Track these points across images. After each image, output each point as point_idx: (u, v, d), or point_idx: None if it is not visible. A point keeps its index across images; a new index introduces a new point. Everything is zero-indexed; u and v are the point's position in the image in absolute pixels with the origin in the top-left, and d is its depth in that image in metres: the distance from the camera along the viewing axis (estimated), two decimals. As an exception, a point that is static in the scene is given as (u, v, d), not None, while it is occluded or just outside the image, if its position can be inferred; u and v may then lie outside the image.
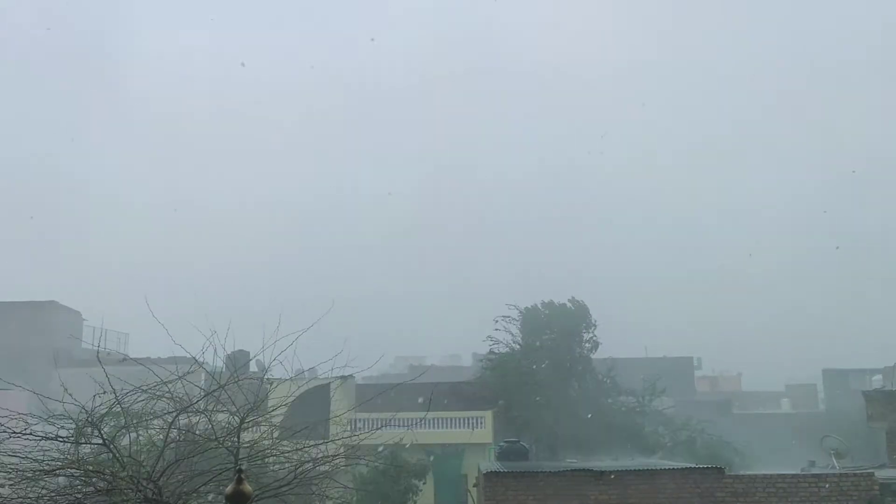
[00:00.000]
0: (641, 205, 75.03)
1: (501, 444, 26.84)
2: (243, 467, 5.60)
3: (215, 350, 10.41)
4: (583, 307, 36.88)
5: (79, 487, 8.71)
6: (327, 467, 10.27)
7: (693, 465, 19.15)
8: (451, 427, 33.45)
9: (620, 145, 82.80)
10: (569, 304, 37.05)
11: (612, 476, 17.59)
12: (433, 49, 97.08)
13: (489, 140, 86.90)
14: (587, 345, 36.57)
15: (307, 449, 10.38)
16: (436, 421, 32.49)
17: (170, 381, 9.85)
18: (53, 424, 9.62)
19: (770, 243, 68.92)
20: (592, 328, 36.62)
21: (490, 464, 23.01)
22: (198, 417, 9.94)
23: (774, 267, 63.20)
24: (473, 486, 26.21)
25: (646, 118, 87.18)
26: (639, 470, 18.31)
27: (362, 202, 77.88)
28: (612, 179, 77.42)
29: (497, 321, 36.34)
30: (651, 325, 53.36)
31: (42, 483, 8.63)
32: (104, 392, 9.29)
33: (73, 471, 8.67)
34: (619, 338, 45.24)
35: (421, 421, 23.73)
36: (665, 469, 18.58)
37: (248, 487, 5.27)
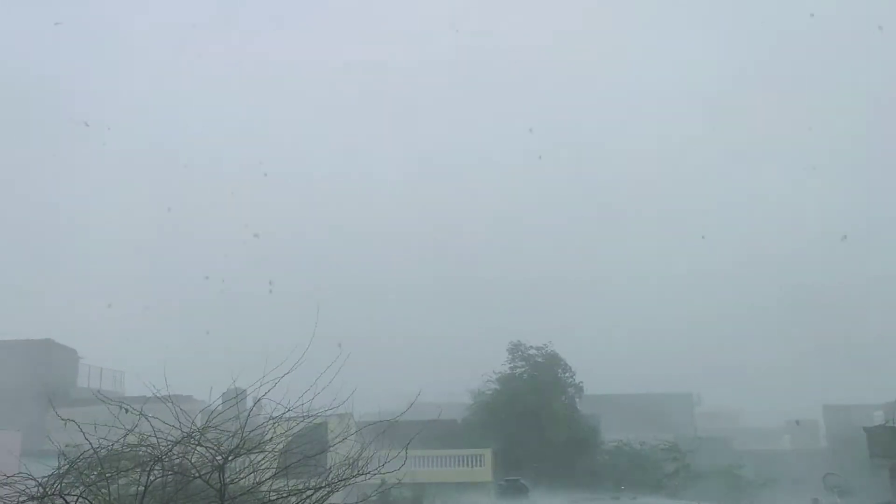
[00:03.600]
0: (627, 226, 72.98)
1: (501, 482, 26.57)
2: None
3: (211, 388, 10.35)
4: (553, 356, 38.94)
5: None
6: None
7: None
8: (450, 465, 33.12)
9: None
10: (537, 356, 38.96)
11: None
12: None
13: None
14: (570, 389, 38.60)
15: (298, 485, 10.22)
16: (435, 459, 32.19)
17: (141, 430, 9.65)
18: (48, 465, 9.44)
19: (765, 274, 68.48)
20: (569, 374, 38.83)
21: (490, 502, 22.75)
22: (179, 458, 9.74)
23: (772, 298, 62.64)
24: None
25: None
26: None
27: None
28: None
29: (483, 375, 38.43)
30: (648, 361, 53.07)
31: None
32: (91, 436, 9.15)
33: None
34: (613, 373, 45.64)
35: (420, 459, 23.48)
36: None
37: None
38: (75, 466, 9.07)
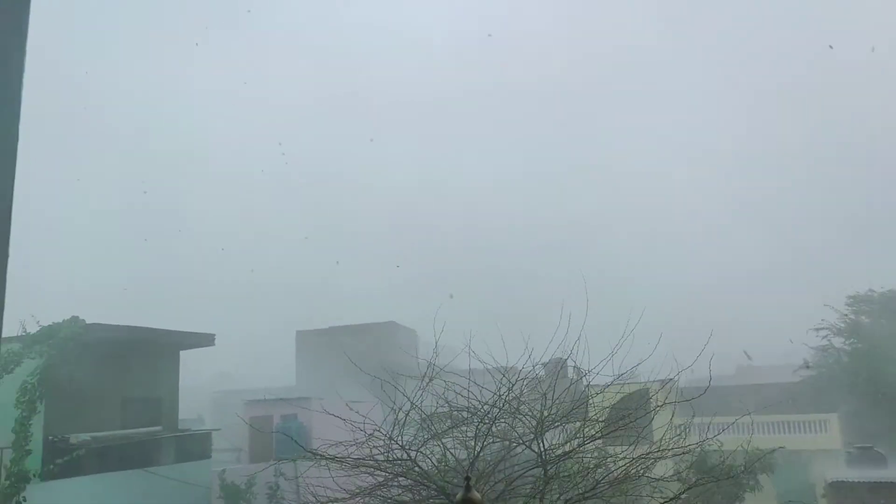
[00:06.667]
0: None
1: (850, 450, 24.23)
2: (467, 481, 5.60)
3: (532, 358, 10.93)
4: None
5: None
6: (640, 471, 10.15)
7: None
8: (790, 432, 30.91)
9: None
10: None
11: None
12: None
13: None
14: None
15: (619, 453, 10.36)
16: (771, 425, 30.33)
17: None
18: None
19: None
20: None
21: (839, 472, 20.96)
22: (503, 424, 10.55)
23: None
24: (822, 497, 23.99)
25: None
26: None
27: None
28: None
29: (821, 323, 34.53)
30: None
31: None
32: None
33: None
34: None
35: (754, 426, 22.11)
36: None
37: (476, 495, 5.20)
38: (423, 427, 10.39)
